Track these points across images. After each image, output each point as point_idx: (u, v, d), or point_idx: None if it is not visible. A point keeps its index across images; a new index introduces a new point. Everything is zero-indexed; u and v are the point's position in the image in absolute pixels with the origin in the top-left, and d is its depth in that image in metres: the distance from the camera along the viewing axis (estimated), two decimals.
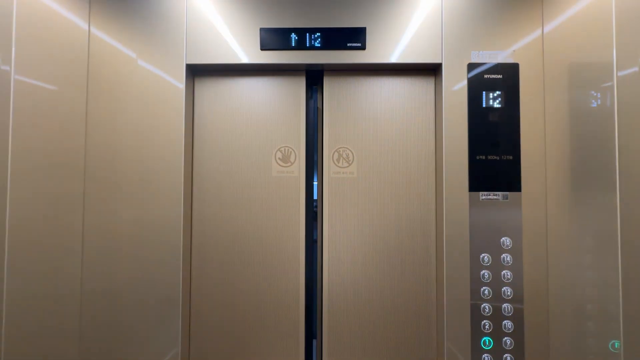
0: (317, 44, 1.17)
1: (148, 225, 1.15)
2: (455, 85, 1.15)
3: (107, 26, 1.17)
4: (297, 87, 1.27)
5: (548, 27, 1.12)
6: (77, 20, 1.14)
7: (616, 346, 0.85)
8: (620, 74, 0.85)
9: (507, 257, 1.11)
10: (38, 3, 1.01)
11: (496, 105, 1.14)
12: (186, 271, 1.20)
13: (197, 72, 1.26)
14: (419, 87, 1.24)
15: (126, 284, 1.15)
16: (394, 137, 1.24)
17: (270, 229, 1.24)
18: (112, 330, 1.15)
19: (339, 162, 1.24)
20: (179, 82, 1.17)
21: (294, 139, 1.26)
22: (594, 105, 0.93)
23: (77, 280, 1.12)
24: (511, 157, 1.13)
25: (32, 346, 0.98)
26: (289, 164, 1.25)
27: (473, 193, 1.13)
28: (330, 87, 1.26)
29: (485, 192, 1.12)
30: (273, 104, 1.26)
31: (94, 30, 1.17)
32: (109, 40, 1.17)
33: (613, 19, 0.87)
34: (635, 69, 0.82)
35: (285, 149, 1.25)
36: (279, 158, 1.25)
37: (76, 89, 1.13)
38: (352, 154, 1.24)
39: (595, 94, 0.92)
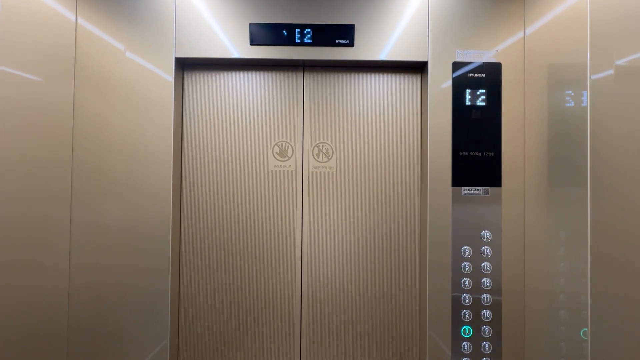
0: (306, 40, 1.19)
1: (137, 220, 1.16)
2: (440, 83, 1.18)
3: (95, 17, 1.16)
4: (295, 82, 1.28)
5: (530, 30, 1.16)
6: (63, 10, 1.12)
7: (584, 334, 0.91)
8: (593, 77, 0.89)
9: (486, 250, 1.16)
10: None
11: (479, 103, 1.17)
12: (175, 264, 1.21)
13: (186, 65, 1.26)
14: (405, 84, 1.27)
15: (115, 278, 1.15)
16: (379, 133, 1.27)
17: (266, 223, 1.26)
18: (101, 323, 1.15)
19: (318, 157, 1.26)
20: (168, 75, 1.17)
21: (291, 134, 1.27)
22: (570, 105, 0.97)
23: (65, 275, 1.12)
24: (492, 154, 1.17)
25: (19, 343, 0.99)
26: (286, 158, 1.26)
27: (455, 188, 1.17)
28: (311, 82, 1.27)
29: (467, 187, 1.17)
30: (270, 99, 1.27)
31: (81, 21, 1.15)
32: (96, 31, 1.16)
33: (588, 25, 0.91)
34: (607, 72, 0.87)
35: (282, 144, 1.26)
36: (276, 152, 1.26)
37: (62, 81, 1.11)
38: (332, 148, 1.27)
39: (571, 95, 0.97)
